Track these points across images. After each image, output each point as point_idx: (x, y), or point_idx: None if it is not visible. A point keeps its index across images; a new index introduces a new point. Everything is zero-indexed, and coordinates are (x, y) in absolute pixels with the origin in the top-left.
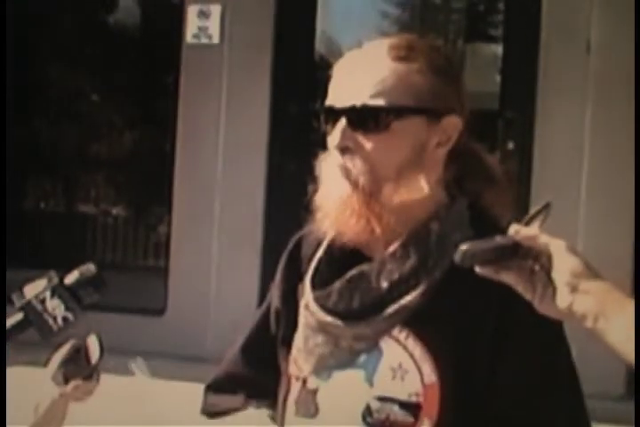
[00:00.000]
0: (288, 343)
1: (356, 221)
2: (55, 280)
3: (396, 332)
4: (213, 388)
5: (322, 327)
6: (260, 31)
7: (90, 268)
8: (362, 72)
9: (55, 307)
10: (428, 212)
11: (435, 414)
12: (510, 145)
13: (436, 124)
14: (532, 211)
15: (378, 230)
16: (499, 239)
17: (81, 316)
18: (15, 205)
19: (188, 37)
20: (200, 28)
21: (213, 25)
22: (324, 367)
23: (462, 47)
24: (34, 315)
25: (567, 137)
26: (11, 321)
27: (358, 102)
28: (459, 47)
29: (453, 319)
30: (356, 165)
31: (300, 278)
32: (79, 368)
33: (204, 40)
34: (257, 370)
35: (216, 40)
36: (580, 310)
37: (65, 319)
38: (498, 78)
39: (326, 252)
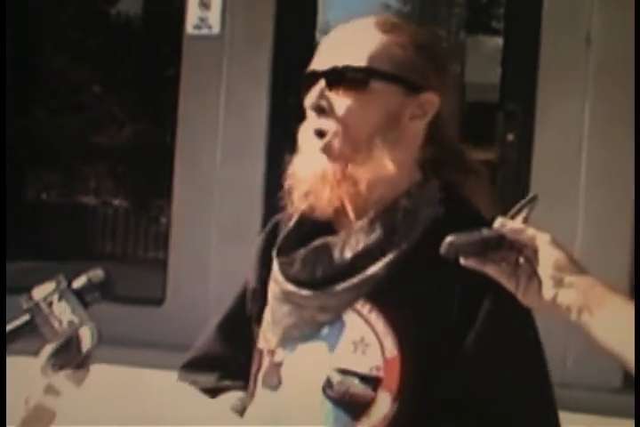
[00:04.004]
0: (261, 320)
1: (329, 194)
2: (64, 284)
3: (359, 305)
4: (189, 367)
5: (286, 297)
6: (261, 22)
7: (98, 273)
8: (347, 39)
9: (62, 310)
10: (400, 188)
11: (395, 389)
12: (510, 137)
13: (412, 96)
14: (519, 204)
15: (349, 205)
16: (484, 232)
17: (86, 320)
18: (16, 196)
19: (189, 28)
20: (201, 19)
21: (214, 15)
22: (289, 339)
23: (463, 39)
24: (40, 317)
25: (567, 129)
26: (17, 322)
27: (338, 64)
28: (460, 39)
29: (417, 295)
30: (331, 126)
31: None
32: (69, 357)
33: (205, 31)
34: (232, 349)
35: (216, 31)
36: (564, 303)
37: (70, 323)
38: (499, 70)
39: (296, 223)
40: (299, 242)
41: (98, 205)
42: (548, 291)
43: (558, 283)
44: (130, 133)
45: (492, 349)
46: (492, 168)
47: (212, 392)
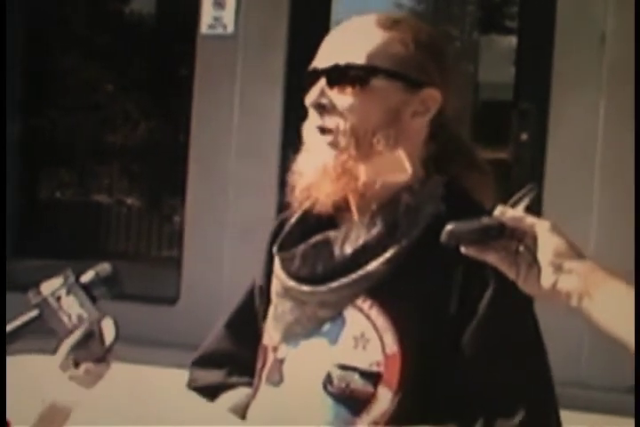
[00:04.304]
0: (266, 317)
1: (329, 187)
2: (71, 278)
3: (359, 301)
4: (198, 363)
5: (287, 293)
6: (275, 22)
7: (106, 267)
8: (348, 37)
9: (70, 305)
10: (403, 184)
11: (395, 384)
12: (524, 136)
13: (413, 93)
14: (518, 194)
15: (351, 200)
16: (485, 220)
17: (94, 314)
18: (30, 195)
19: (203, 28)
20: (215, 19)
21: (228, 15)
22: (291, 335)
23: (477, 39)
24: (49, 312)
25: (581, 128)
26: (26, 317)
27: (339, 62)
28: (473, 38)
29: (418, 291)
30: (335, 123)
31: None
32: (91, 351)
33: (219, 30)
34: (239, 346)
35: (231, 30)
36: (564, 289)
37: (79, 317)
38: (512, 70)
39: (299, 219)
40: (301, 238)
41: (112, 204)
42: (547, 277)
43: (558, 269)
44: (144, 132)
45: (493, 343)
46: (505, 167)
47: (219, 388)
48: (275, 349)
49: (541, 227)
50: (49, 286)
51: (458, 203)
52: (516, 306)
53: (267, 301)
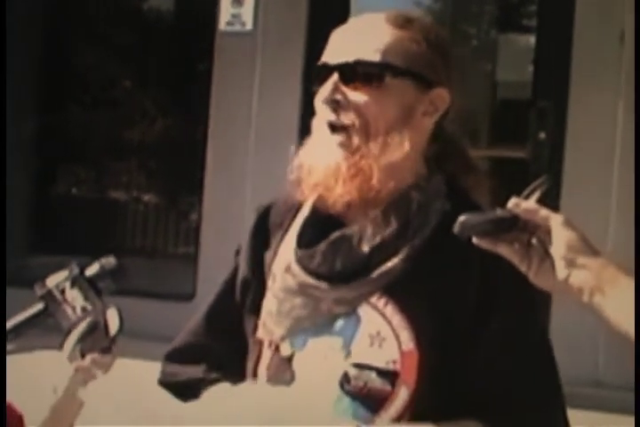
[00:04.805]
0: (257, 310)
1: (340, 188)
2: (76, 271)
3: (374, 299)
4: (173, 357)
5: (302, 290)
6: (294, 18)
7: (110, 260)
8: (358, 33)
9: (74, 297)
10: (409, 181)
11: (412, 382)
12: (542, 135)
13: (424, 92)
14: (530, 186)
15: (363, 193)
16: (498, 212)
17: (99, 306)
18: (47, 192)
19: (222, 25)
20: (234, 16)
21: (247, 12)
22: (298, 330)
23: (495, 37)
24: (53, 304)
25: (600, 127)
26: (32, 310)
27: (352, 58)
28: (491, 37)
29: (433, 288)
30: (351, 120)
31: (267, 247)
32: (97, 342)
33: (238, 27)
34: (220, 340)
35: (249, 27)
36: (576, 283)
37: (84, 309)
38: (531, 68)
39: (312, 212)
40: (315, 233)
41: (129, 201)
42: (560, 271)
43: (571, 263)
44: (161, 129)
45: (509, 339)
46: (523, 166)
47: (200, 384)
48: (272, 345)
49: (555, 220)
50: (54, 279)
51: (460, 200)
52: (532, 305)
53: (256, 293)
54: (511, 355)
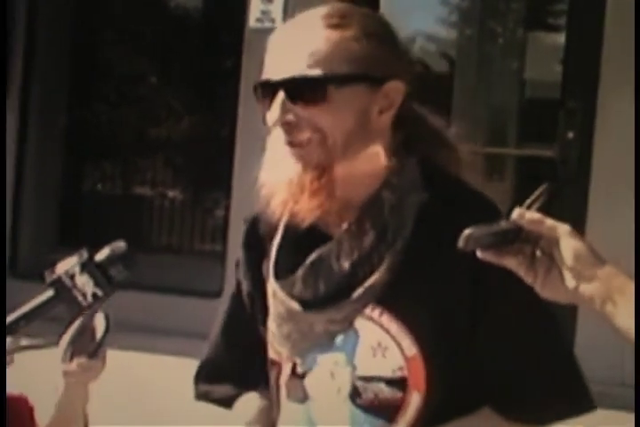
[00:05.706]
0: (266, 325)
1: (308, 199)
2: (85, 256)
3: (369, 310)
4: (201, 376)
5: (291, 317)
6: None
7: (120, 245)
8: (296, 42)
9: (84, 283)
10: (379, 181)
11: (422, 386)
12: (571, 135)
13: (377, 90)
14: (534, 194)
15: (332, 206)
16: (503, 224)
17: (110, 292)
18: (73, 187)
19: (251, 21)
20: (263, 12)
21: (276, 9)
22: (301, 351)
23: (523, 36)
24: (63, 290)
25: (628, 127)
26: (42, 297)
27: (295, 73)
28: (518, 35)
29: (424, 290)
30: (307, 136)
31: (263, 258)
32: (84, 345)
33: (267, 24)
34: (240, 355)
35: (279, 24)
36: (586, 294)
37: (94, 295)
38: (558, 68)
39: (284, 237)
40: (292, 257)
41: (155, 197)
42: (569, 282)
43: (579, 274)
44: (187, 126)
45: (508, 325)
46: (551, 166)
47: (232, 399)
48: (289, 363)
49: (562, 230)
50: (63, 266)
51: (437, 179)
52: (529, 299)
53: (261, 306)
54: (513, 340)
